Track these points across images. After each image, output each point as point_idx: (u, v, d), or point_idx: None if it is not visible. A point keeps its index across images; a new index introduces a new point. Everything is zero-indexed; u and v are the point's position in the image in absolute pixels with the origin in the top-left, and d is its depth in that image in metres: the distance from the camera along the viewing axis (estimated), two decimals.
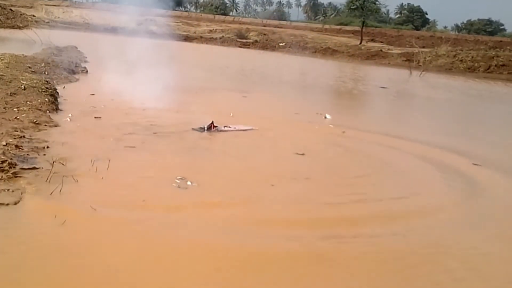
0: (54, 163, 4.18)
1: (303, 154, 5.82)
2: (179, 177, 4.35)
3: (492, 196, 4.98)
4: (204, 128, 6.54)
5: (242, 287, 2.78)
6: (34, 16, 33.09)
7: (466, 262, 3.40)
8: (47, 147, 4.73)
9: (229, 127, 6.86)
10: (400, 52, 29.20)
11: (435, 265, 3.30)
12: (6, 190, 3.53)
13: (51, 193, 3.63)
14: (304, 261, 3.13)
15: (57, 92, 7.53)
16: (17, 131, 4.88)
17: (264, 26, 48.62)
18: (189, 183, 4.26)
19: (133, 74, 11.87)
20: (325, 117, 8.43)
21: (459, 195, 4.94)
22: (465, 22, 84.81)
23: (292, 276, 2.93)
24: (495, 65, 24.00)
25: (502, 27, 78.47)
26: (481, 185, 5.28)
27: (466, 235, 3.91)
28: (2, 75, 7.10)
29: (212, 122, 6.61)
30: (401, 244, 3.58)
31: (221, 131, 6.65)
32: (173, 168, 4.67)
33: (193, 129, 6.55)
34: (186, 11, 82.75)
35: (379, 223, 3.92)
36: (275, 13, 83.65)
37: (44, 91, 6.90)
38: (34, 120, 5.49)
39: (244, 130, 6.93)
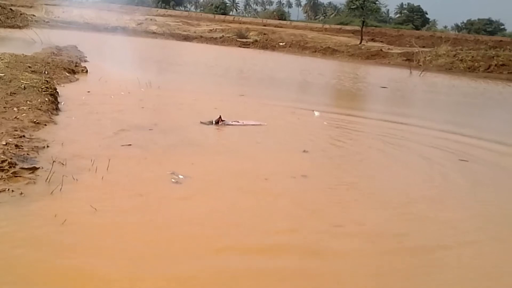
0: (54, 162, 4.18)
1: (307, 151, 5.81)
2: (170, 172, 4.38)
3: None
4: (212, 122, 6.70)
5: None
6: (34, 15, 33.16)
7: None
8: (47, 146, 4.73)
9: (237, 121, 6.89)
10: (400, 51, 29.25)
11: None
12: (6, 189, 3.53)
13: (51, 193, 3.63)
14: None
15: (57, 92, 7.52)
16: (17, 130, 4.87)
17: (264, 25, 48.64)
18: (181, 176, 4.32)
19: (132, 72, 11.89)
20: (314, 114, 8.49)
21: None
22: (465, 21, 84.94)
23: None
24: (495, 65, 24.05)
25: (502, 26, 78.58)
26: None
27: None
28: (2, 74, 7.09)
29: (220, 117, 6.75)
30: None
31: (228, 125, 6.72)
32: (172, 165, 4.67)
33: (201, 122, 6.72)
34: (186, 11, 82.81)
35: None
36: (275, 13, 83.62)
37: (44, 91, 6.89)
38: (34, 120, 5.48)
39: (252, 125, 6.94)
